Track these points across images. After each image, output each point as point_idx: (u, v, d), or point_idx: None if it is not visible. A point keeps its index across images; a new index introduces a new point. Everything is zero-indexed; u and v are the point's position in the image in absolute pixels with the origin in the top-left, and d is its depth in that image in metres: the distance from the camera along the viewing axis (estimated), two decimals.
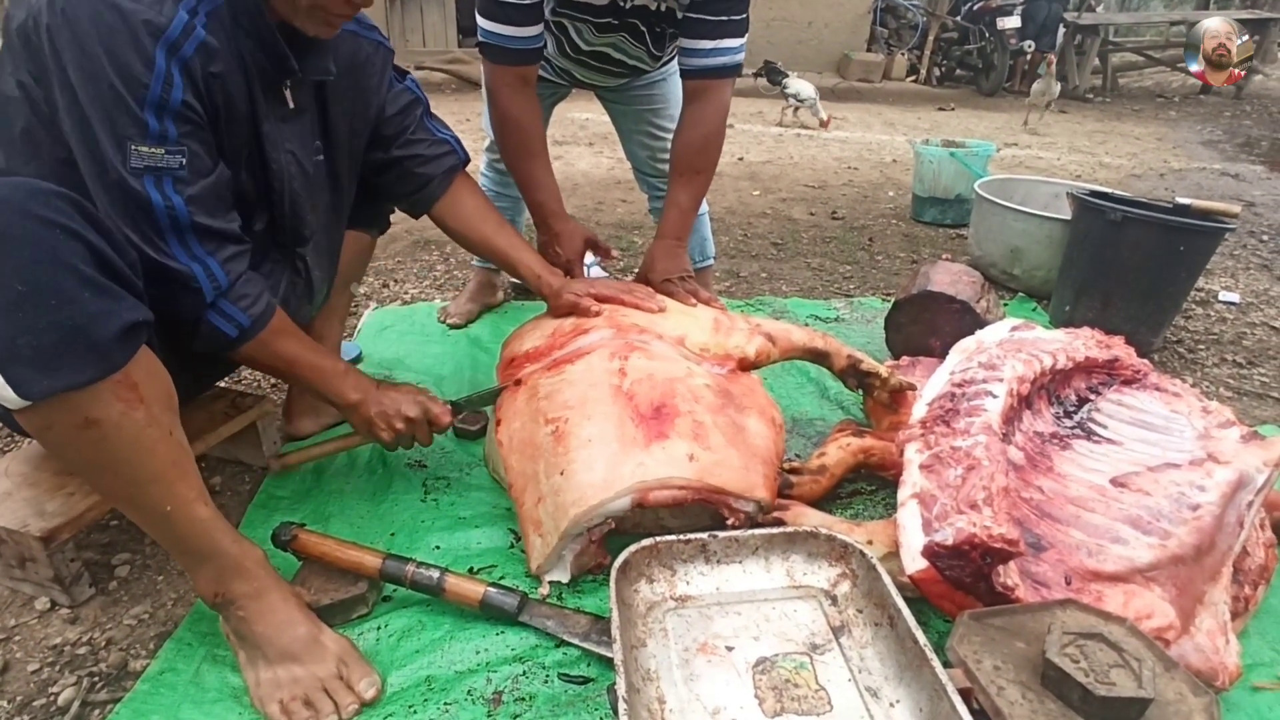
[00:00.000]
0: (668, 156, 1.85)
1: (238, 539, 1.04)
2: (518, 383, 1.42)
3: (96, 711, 1.04)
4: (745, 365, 1.47)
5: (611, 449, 1.21)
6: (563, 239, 1.68)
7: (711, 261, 2.26)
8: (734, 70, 1.63)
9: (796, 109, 5.99)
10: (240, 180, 1.15)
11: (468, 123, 5.46)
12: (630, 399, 1.28)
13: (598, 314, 1.48)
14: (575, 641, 1.13)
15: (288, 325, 1.20)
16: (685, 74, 1.63)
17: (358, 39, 1.31)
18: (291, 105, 1.20)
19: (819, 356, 1.58)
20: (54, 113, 0.98)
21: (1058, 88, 6.09)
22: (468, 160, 1.50)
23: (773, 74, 6.31)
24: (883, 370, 1.58)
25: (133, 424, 0.88)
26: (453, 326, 2.19)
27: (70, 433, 0.86)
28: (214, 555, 1.01)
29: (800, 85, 5.86)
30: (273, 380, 1.93)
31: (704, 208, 2.11)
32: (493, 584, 1.18)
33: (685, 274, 1.67)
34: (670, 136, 1.88)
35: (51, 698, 1.06)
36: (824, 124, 5.81)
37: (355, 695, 1.03)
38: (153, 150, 0.98)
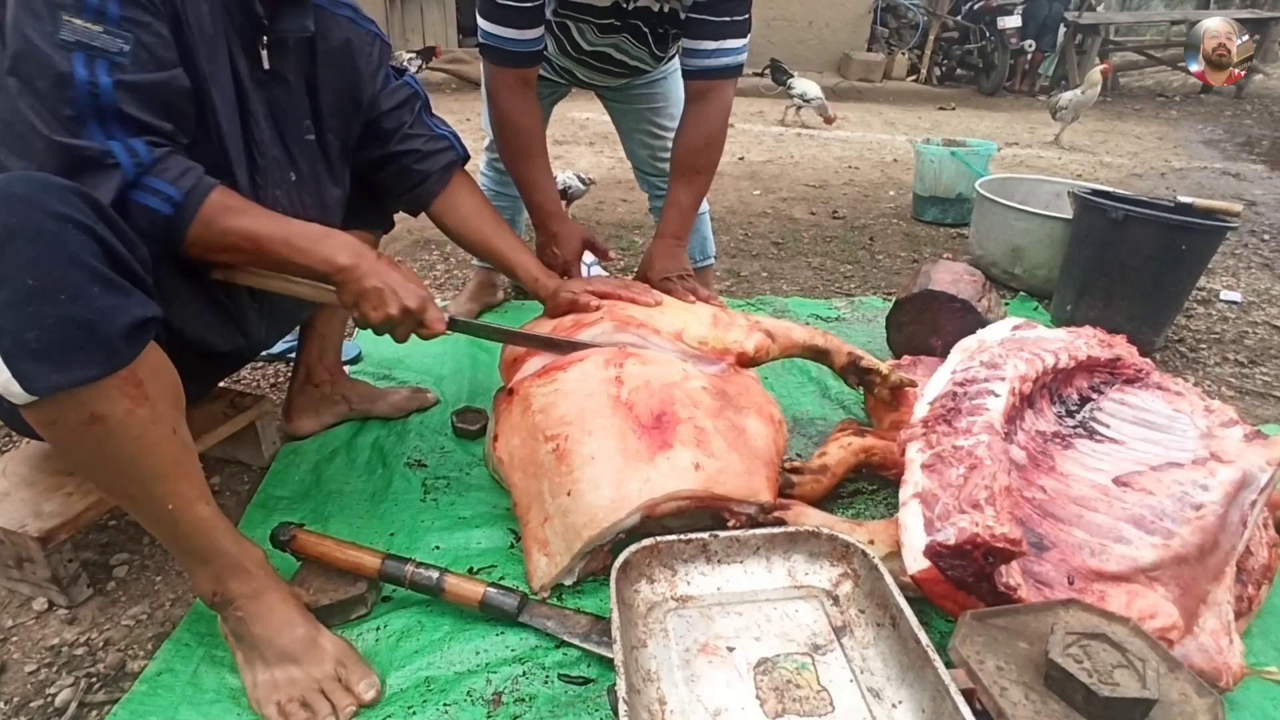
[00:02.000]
0: (668, 155, 1.85)
1: (238, 539, 1.03)
2: (510, 392, 1.41)
3: (94, 712, 1.04)
4: (744, 361, 1.47)
5: (616, 464, 1.21)
6: (560, 239, 1.68)
7: (712, 261, 2.26)
8: (736, 71, 1.63)
9: (800, 108, 5.97)
10: (210, 125, 1.06)
11: (468, 122, 5.46)
12: (629, 409, 1.27)
13: (597, 309, 1.47)
14: (576, 642, 1.12)
15: (237, 201, 1.04)
16: (688, 74, 1.63)
17: (354, 25, 1.28)
18: (267, 66, 1.13)
19: (819, 354, 1.58)
20: None
21: (1094, 95, 5.37)
22: (467, 157, 1.48)
23: (778, 73, 6.30)
24: (883, 367, 1.58)
25: (138, 421, 0.88)
26: None
27: (75, 429, 0.86)
28: (214, 555, 1.00)
29: (806, 85, 5.85)
30: (271, 380, 1.93)
31: (705, 207, 2.11)
32: (492, 584, 1.17)
33: (685, 273, 1.67)
34: (671, 135, 1.88)
35: (49, 699, 1.05)
36: (829, 121, 5.79)
37: (354, 697, 1.02)
38: (87, 25, 0.88)
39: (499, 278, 2.32)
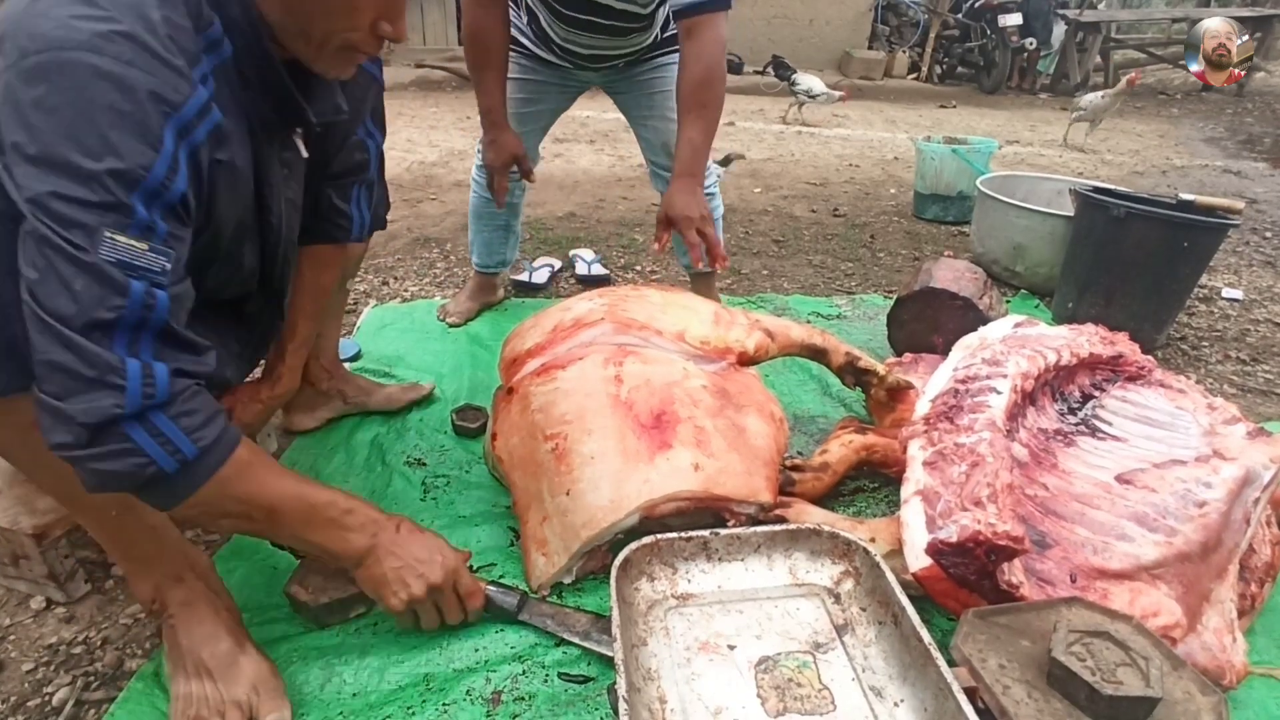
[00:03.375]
0: None
1: (184, 547, 1.02)
2: (510, 391, 1.41)
3: (92, 711, 1.03)
4: (744, 360, 1.46)
5: (615, 465, 1.21)
6: (494, 146, 1.82)
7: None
8: (725, 4, 1.64)
9: (802, 105, 5.95)
10: (242, 249, 1.02)
11: (468, 120, 5.46)
12: (629, 408, 1.26)
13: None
14: (575, 640, 1.12)
15: (260, 460, 0.93)
16: (677, 14, 1.64)
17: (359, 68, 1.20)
18: (305, 154, 1.10)
19: (817, 353, 1.57)
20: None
21: (1116, 103, 5.18)
22: (359, 239, 1.39)
23: (781, 70, 6.28)
24: (880, 368, 1.57)
25: None
26: (452, 325, 2.18)
27: (15, 433, 0.84)
28: (158, 561, 0.99)
29: (810, 81, 5.82)
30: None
31: (720, 213, 2.11)
32: (492, 582, 1.17)
33: (704, 215, 1.69)
34: None
35: (46, 697, 1.05)
36: (843, 99, 5.74)
37: None
38: (132, 243, 0.75)
39: (499, 277, 2.31)
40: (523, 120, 1.93)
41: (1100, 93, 5.30)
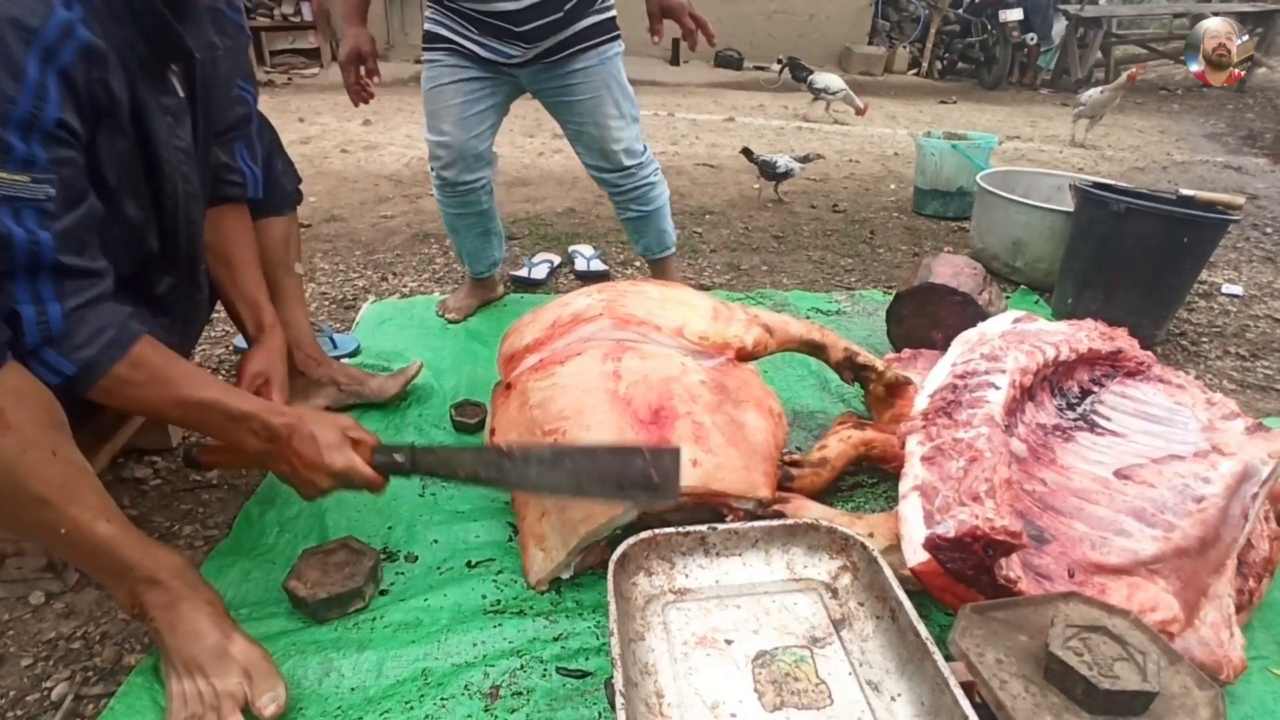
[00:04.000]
0: (620, 147, 1.92)
1: (148, 550, 1.00)
2: (508, 387, 1.41)
3: (90, 705, 1.04)
4: (743, 355, 1.46)
5: None
6: (345, 39, 1.86)
7: (671, 251, 2.23)
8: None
9: (829, 103, 5.90)
10: (128, 201, 1.01)
11: None
12: (627, 404, 1.26)
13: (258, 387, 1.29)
14: (463, 478, 1.10)
15: (149, 361, 0.97)
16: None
17: (220, 15, 1.18)
18: (181, 94, 1.06)
19: (815, 349, 1.57)
20: None
21: (1115, 98, 5.15)
22: (256, 199, 1.38)
23: (797, 69, 6.24)
24: (878, 364, 1.57)
25: (3, 452, 0.84)
26: (451, 321, 2.18)
27: None
28: (123, 570, 0.98)
29: (828, 79, 5.76)
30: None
31: (663, 201, 2.12)
32: (384, 448, 1.11)
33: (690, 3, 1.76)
34: (618, 127, 1.91)
35: (45, 692, 1.05)
36: (860, 111, 5.70)
37: (254, 713, 0.98)
38: (14, 178, 0.80)
39: (498, 273, 2.31)
40: (467, 125, 1.89)
41: (1100, 88, 5.27)
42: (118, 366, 0.94)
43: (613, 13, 1.89)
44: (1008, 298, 2.54)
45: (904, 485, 1.17)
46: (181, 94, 1.07)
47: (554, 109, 1.98)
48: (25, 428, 0.86)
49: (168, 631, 1.00)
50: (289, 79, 6.73)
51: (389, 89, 6.61)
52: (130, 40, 0.94)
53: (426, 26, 1.88)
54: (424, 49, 1.90)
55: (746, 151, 3.57)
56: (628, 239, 2.99)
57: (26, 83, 0.79)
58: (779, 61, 6.73)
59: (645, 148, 2.03)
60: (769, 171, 3.49)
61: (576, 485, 1.08)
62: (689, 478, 1.19)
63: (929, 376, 1.39)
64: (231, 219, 1.34)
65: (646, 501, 1.12)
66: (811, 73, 5.94)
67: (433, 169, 1.99)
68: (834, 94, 5.73)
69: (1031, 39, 8.13)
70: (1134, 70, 5.22)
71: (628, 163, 1.98)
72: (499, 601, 1.21)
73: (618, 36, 1.91)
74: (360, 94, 1.90)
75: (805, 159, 3.54)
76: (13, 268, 0.83)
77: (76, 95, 0.85)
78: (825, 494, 1.44)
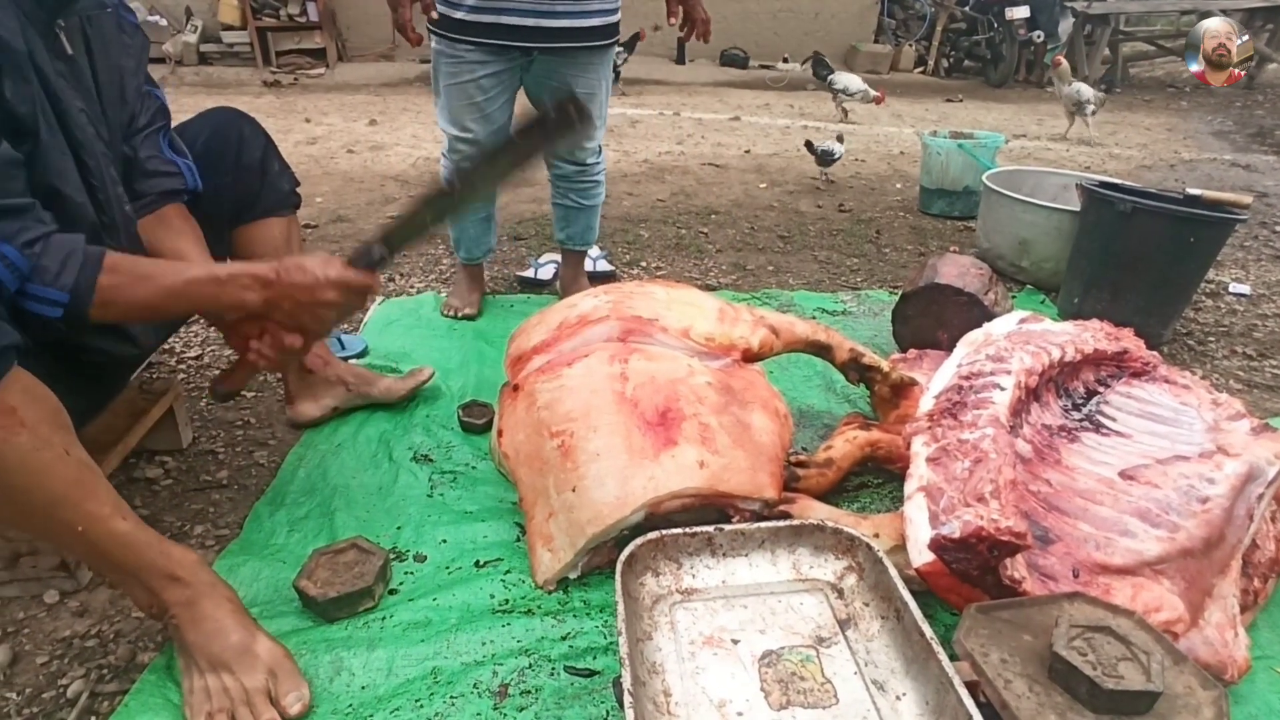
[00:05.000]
0: (591, 144, 2.03)
1: (165, 547, 1.01)
2: (515, 388, 1.42)
3: (105, 703, 1.05)
4: (749, 356, 1.47)
5: (621, 461, 1.22)
6: None
7: (590, 246, 2.32)
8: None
9: (843, 103, 5.94)
10: (48, 156, 0.99)
11: None
12: (634, 405, 1.27)
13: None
14: (431, 224, 1.13)
15: (126, 270, 1.00)
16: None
17: (117, 14, 1.19)
18: (70, 51, 1.05)
19: (821, 349, 1.58)
20: None
21: (1084, 91, 5.22)
22: (194, 190, 1.34)
23: (819, 68, 6.26)
24: (884, 365, 1.58)
25: (16, 450, 0.85)
26: (464, 317, 2.20)
27: None
28: (140, 568, 0.98)
29: (848, 79, 5.82)
30: (185, 364, 1.93)
31: (601, 199, 2.21)
32: (355, 250, 1.13)
33: None
34: (597, 124, 2.01)
35: (61, 689, 1.07)
36: (878, 101, 5.73)
37: (278, 711, 0.99)
38: None
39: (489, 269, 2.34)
40: (491, 120, 1.93)
41: (1064, 86, 5.36)
42: (100, 278, 0.96)
43: (619, 16, 1.93)
44: (1014, 297, 2.53)
45: (909, 486, 1.18)
46: (70, 51, 1.06)
47: (541, 94, 1.98)
48: (39, 427, 0.87)
49: (189, 627, 1.01)
50: (295, 79, 6.75)
51: (394, 88, 6.62)
52: None
53: (441, 10, 1.87)
54: (436, 33, 1.91)
55: (809, 144, 3.87)
56: (633, 239, 3.01)
57: None
58: (784, 60, 6.73)
59: (601, 148, 2.15)
60: (827, 160, 3.80)
61: (515, 162, 1.10)
62: (697, 480, 1.20)
63: (934, 377, 1.40)
64: (178, 220, 1.30)
65: (571, 140, 1.15)
66: (833, 72, 5.98)
67: (451, 160, 2.04)
68: (852, 95, 5.76)
69: (1038, 36, 8.10)
70: (1056, 58, 5.51)
71: (589, 160, 2.10)
72: (507, 601, 1.22)
73: (617, 39, 1.98)
74: (413, 32, 1.92)
75: (839, 139, 3.84)
76: None
77: None
78: (831, 495, 1.45)
